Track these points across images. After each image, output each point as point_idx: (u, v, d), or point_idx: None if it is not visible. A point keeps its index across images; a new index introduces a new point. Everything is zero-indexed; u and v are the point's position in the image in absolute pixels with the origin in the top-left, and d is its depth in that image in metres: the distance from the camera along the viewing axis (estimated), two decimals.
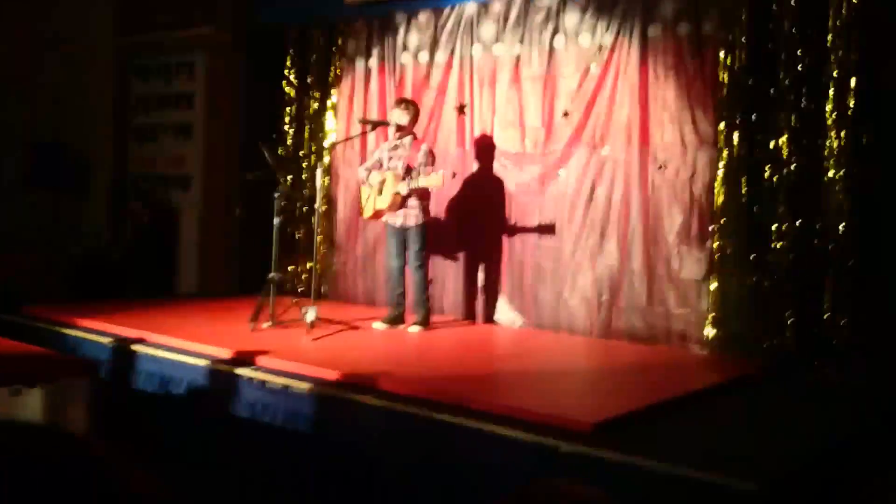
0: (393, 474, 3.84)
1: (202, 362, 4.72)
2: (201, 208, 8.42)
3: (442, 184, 5.71)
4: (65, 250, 8.63)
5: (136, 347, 5.06)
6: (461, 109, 6.81)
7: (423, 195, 5.95)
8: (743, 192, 5.34)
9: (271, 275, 5.78)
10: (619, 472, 3.18)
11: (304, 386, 4.24)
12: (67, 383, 4.02)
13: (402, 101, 6.10)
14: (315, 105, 7.74)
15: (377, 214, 6.08)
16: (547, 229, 6.27)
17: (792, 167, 5.16)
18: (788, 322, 5.13)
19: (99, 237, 8.84)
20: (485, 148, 6.65)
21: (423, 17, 7.07)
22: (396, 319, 6.09)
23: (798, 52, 5.15)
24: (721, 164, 5.44)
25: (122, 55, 9.08)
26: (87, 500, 0.89)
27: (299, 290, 7.42)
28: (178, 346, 4.99)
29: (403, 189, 5.79)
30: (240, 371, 4.52)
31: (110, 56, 9.14)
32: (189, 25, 8.38)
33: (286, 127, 7.87)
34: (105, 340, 5.24)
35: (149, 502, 0.94)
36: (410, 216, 5.93)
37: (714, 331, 5.45)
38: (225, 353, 4.79)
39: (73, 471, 0.91)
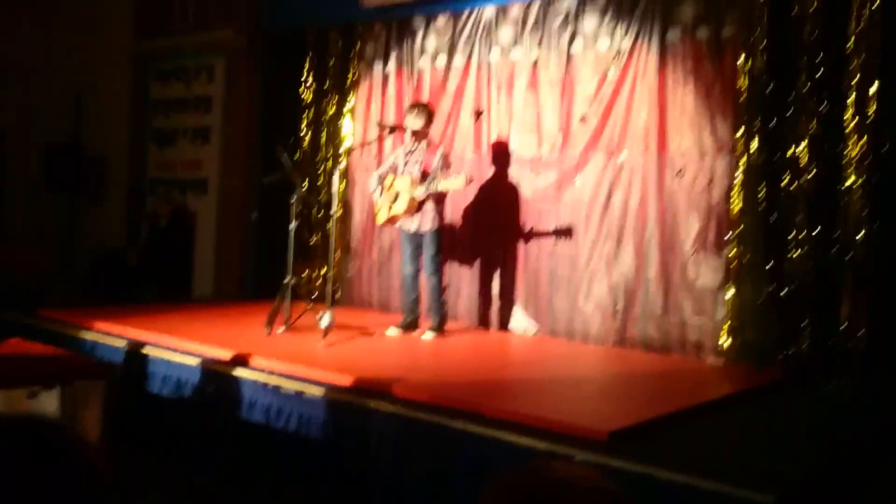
0: (406, 481, 3.82)
1: (216, 366, 4.72)
2: (217, 212, 8.45)
3: (464, 186, 5.70)
4: (81, 253, 8.69)
5: (150, 351, 5.08)
6: (478, 114, 6.80)
7: (438, 200, 5.95)
8: (761, 199, 5.29)
9: (286, 279, 5.79)
10: (636, 481, 3.15)
11: (317, 391, 4.23)
12: (84, 385, 4.03)
13: (415, 106, 6.09)
14: (332, 109, 7.75)
15: (392, 220, 6.07)
16: (564, 233, 6.24)
17: (811, 174, 5.11)
18: (806, 331, 5.07)
19: (115, 240, 8.88)
20: (501, 153, 6.63)
21: (442, 21, 7.06)
22: (411, 325, 6.08)
23: (818, 58, 5.10)
24: (739, 171, 5.40)
25: (141, 59, 9.14)
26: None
27: (314, 295, 7.42)
28: (193, 349, 5.00)
29: (421, 192, 5.79)
30: (254, 375, 4.52)
31: (129, 60, 9.20)
32: (207, 29, 8.43)
33: (303, 131, 7.88)
34: (120, 344, 5.26)
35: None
36: (426, 221, 5.92)
37: (730, 340, 5.40)
38: (239, 358, 4.79)
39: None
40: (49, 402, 4.01)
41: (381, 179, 6.11)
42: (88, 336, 5.48)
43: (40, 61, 8.84)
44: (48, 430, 1.08)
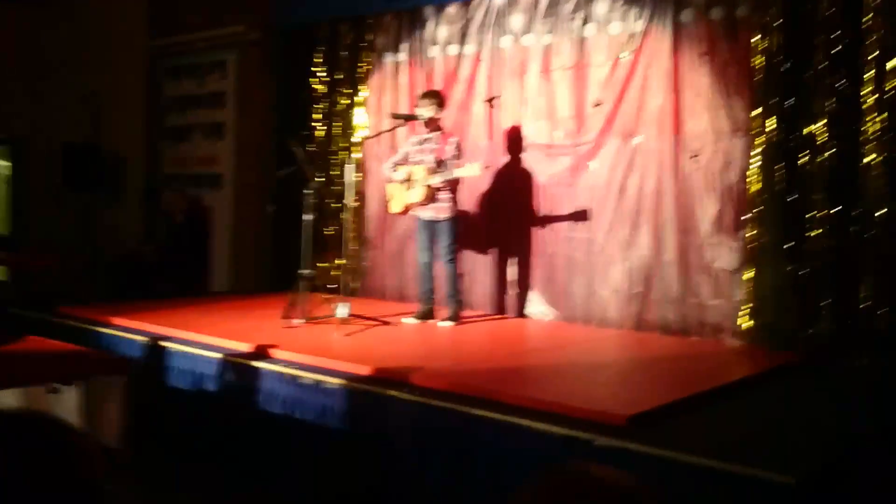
0: (426, 468, 3.82)
1: (235, 359, 4.74)
2: (233, 206, 8.47)
3: (480, 173, 5.70)
4: (100, 251, 8.75)
5: (169, 345, 5.10)
6: (491, 102, 6.77)
7: (453, 188, 5.93)
8: (778, 179, 5.24)
9: (303, 271, 5.79)
10: (656, 465, 3.13)
11: (336, 381, 4.23)
12: (104, 381, 4.06)
13: (427, 95, 6.08)
14: (345, 101, 7.75)
15: (407, 209, 6.06)
16: (579, 217, 6.21)
17: (828, 153, 5.05)
18: (826, 312, 5.02)
19: (133, 237, 8.94)
20: (515, 140, 6.60)
21: (452, 9, 7.03)
22: (427, 314, 6.08)
23: (834, 35, 5.03)
24: (756, 151, 5.34)
25: (155, 56, 9.17)
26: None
27: (331, 286, 7.43)
28: (211, 343, 5.02)
29: (437, 181, 5.77)
30: (273, 367, 4.53)
31: (143, 58, 9.23)
32: (219, 25, 8.44)
33: (316, 123, 7.88)
34: (139, 338, 5.29)
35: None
36: (441, 209, 5.91)
37: (750, 322, 5.35)
38: (258, 350, 4.81)
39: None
40: (69, 399, 4.04)
41: (395, 168, 6.11)
42: (107, 332, 5.52)
43: (55, 62, 8.89)
44: (41, 424, 1.13)
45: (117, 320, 5.64)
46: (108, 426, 4.09)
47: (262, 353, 4.78)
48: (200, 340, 5.08)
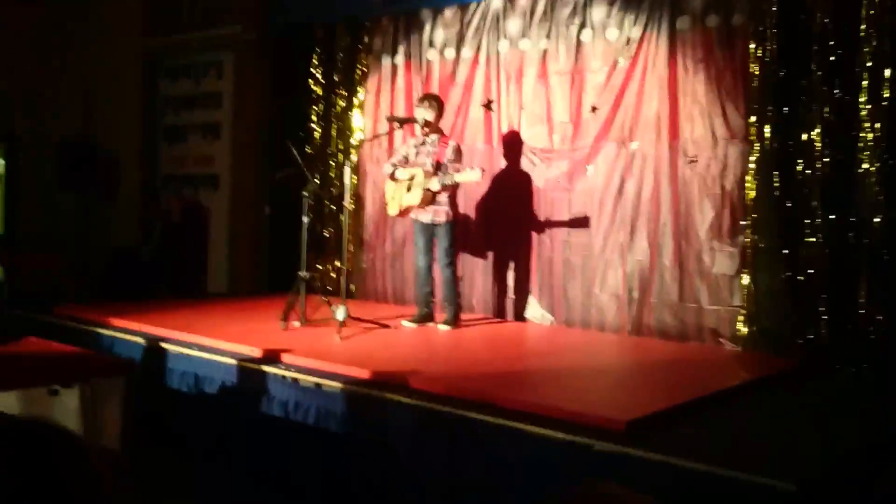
0: (424, 472, 3.84)
1: (234, 361, 4.74)
2: (230, 207, 8.47)
3: (479, 179, 5.71)
4: (95, 251, 8.72)
5: (168, 347, 5.10)
6: (488, 105, 6.79)
7: (451, 192, 5.95)
8: (775, 185, 5.27)
9: (300, 273, 5.80)
10: (655, 470, 3.15)
11: (335, 384, 4.24)
12: (104, 382, 4.06)
13: (425, 98, 6.10)
14: (342, 103, 7.75)
15: (405, 211, 6.07)
16: (579, 222, 6.23)
17: (825, 160, 5.09)
18: (823, 318, 5.05)
19: (128, 237, 8.92)
20: (512, 144, 6.62)
21: (450, 13, 7.05)
22: (425, 318, 6.09)
23: (830, 43, 5.07)
24: (753, 158, 5.38)
25: (151, 56, 9.15)
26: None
27: (328, 288, 7.43)
28: (210, 345, 5.03)
29: (436, 185, 5.78)
30: (272, 370, 4.54)
31: (139, 57, 9.21)
32: (216, 25, 8.43)
33: (314, 125, 7.88)
34: (138, 340, 5.29)
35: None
36: (440, 213, 5.92)
37: (747, 327, 5.39)
38: (256, 352, 4.81)
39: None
40: (69, 401, 4.04)
41: (394, 169, 6.12)
42: (106, 333, 5.51)
43: (51, 60, 8.87)
44: (49, 434, 1.09)
45: (116, 321, 5.64)
46: (108, 428, 4.09)
47: (260, 355, 4.78)
48: (200, 342, 5.08)
